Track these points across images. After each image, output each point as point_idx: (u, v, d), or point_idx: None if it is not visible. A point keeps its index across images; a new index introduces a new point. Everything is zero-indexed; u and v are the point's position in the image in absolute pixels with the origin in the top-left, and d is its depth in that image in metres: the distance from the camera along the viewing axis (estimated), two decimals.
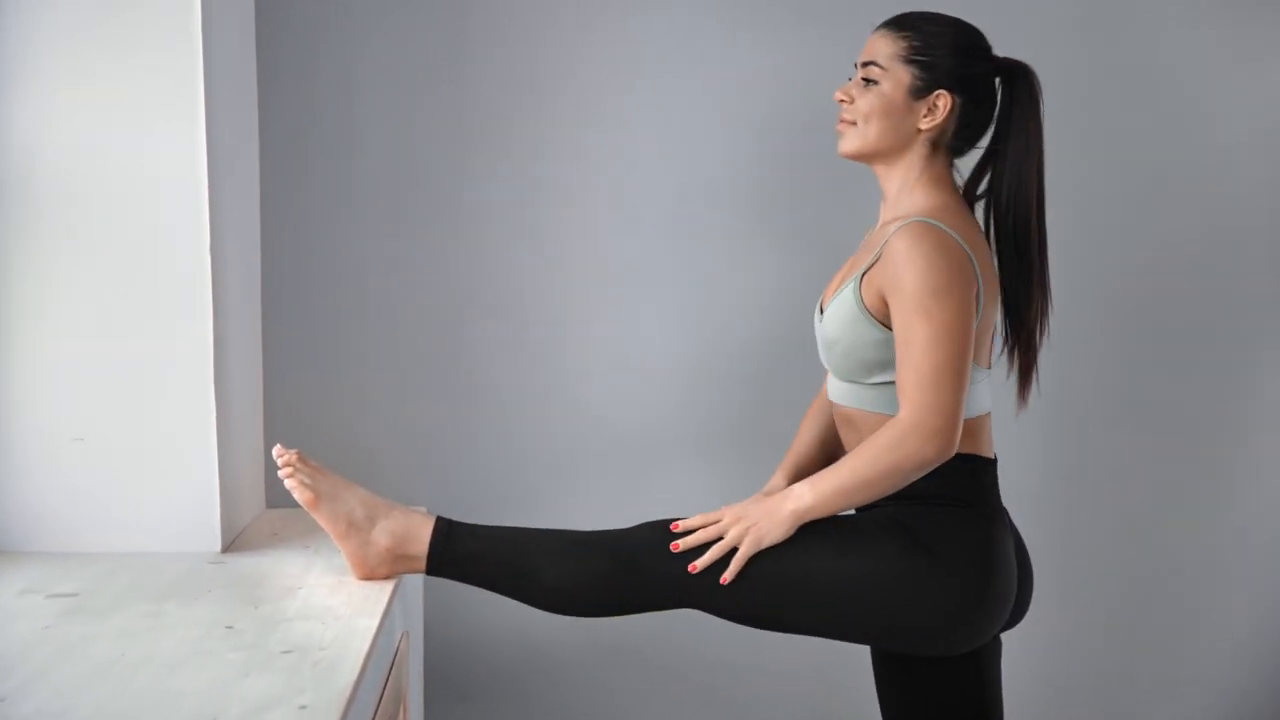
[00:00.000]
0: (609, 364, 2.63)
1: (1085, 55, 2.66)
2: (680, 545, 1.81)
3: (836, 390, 1.94)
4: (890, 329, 1.83)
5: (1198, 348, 2.76)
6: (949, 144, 1.91)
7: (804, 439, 2.12)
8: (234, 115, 2.17)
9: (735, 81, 2.64)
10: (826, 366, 1.96)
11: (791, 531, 1.80)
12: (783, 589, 1.81)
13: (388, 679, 1.77)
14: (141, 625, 1.65)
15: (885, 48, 1.90)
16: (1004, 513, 1.92)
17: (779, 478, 2.09)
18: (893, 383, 1.85)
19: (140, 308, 1.98)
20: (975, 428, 1.88)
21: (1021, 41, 1.90)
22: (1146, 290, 2.74)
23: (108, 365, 1.98)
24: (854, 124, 1.91)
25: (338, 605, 1.75)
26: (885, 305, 1.82)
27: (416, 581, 2.27)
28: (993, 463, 1.91)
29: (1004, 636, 1.98)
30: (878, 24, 1.93)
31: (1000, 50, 1.93)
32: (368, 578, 1.87)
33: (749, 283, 2.65)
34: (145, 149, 1.96)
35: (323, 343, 2.61)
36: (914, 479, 1.78)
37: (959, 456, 1.85)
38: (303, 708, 1.38)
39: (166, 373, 1.99)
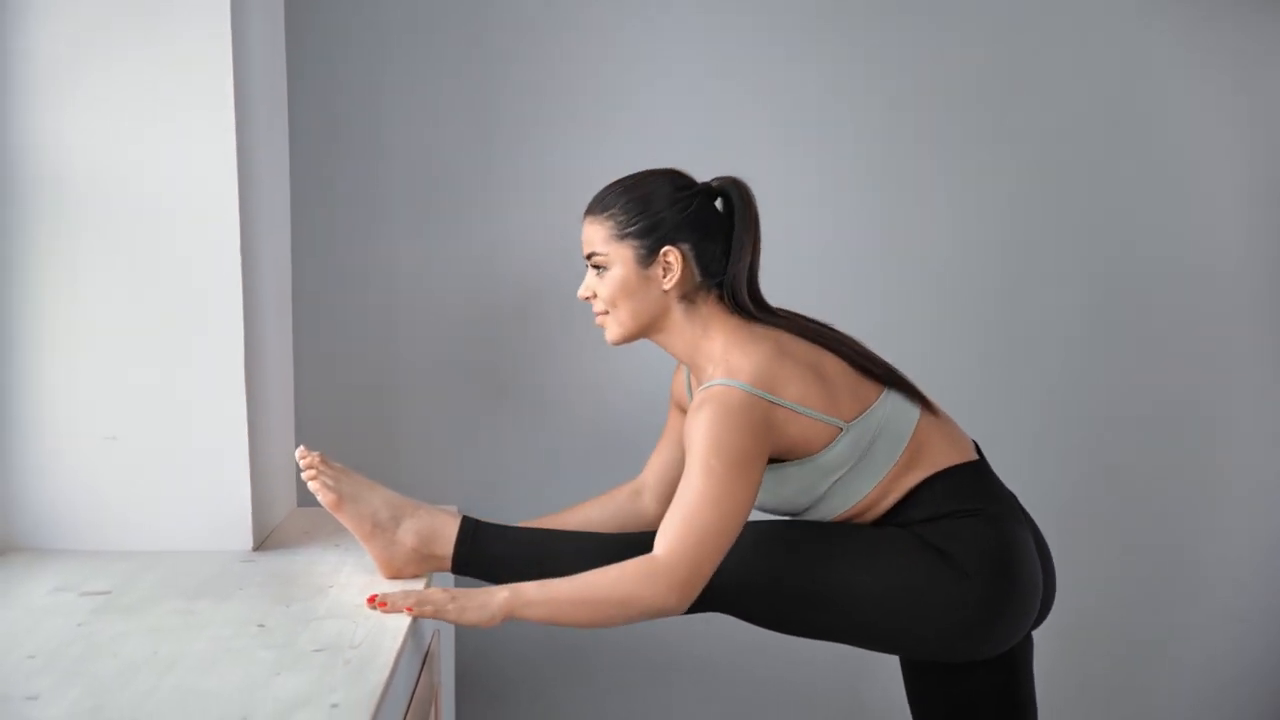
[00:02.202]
0: (637, 365, 2.62)
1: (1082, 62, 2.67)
2: (378, 598, 1.72)
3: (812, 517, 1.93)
4: (780, 460, 1.83)
5: (1215, 344, 2.76)
6: (703, 284, 1.88)
7: (580, 515, 2.09)
8: (264, 117, 2.17)
9: (759, 80, 2.63)
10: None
11: (496, 619, 1.70)
12: (809, 598, 1.81)
13: (419, 678, 1.77)
14: (173, 623, 1.65)
15: (597, 233, 1.88)
16: (1014, 504, 1.91)
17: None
18: (837, 482, 1.84)
19: (172, 308, 1.98)
20: (928, 438, 1.87)
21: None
22: (1168, 287, 2.74)
23: (140, 364, 1.99)
24: (607, 314, 1.90)
25: (366, 603, 1.74)
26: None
27: (448, 581, 2.27)
28: (976, 462, 1.90)
29: (1034, 634, 1.96)
30: (583, 213, 1.91)
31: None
32: (395, 577, 1.87)
33: (773, 281, 2.63)
34: (176, 150, 1.96)
35: (352, 343, 2.62)
36: (632, 620, 1.73)
37: (945, 471, 1.86)
38: (334, 706, 1.38)
39: (198, 372, 2.00)
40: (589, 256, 1.89)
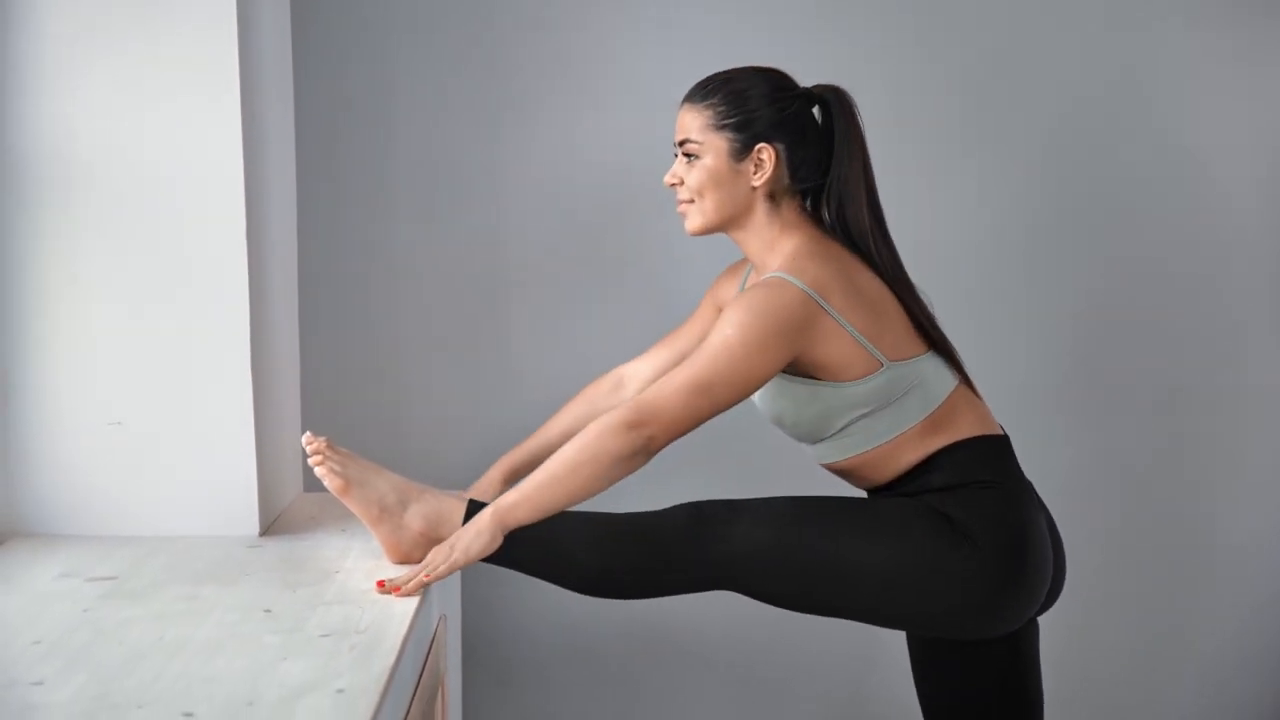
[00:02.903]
0: (643, 349, 2.62)
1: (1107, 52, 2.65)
2: (387, 584, 1.73)
3: (818, 454, 1.94)
4: (812, 376, 1.84)
5: (1227, 330, 2.76)
6: (790, 189, 1.88)
7: (559, 424, 2.11)
8: (270, 102, 2.17)
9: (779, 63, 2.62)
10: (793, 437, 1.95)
11: (497, 534, 1.75)
12: (818, 573, 1.81)
13: (425, 663, 1.76)
14: (179, 608, 1.65)
15: (694, 121, 1.88)
16: (1031, 488, 1.91)
17: (495, 472, 2.09)
18: (860, 419, 1.84)
19: (178, 293, 1.98)
20: (958, 407, 1.87)
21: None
22: (1178, 271, 2.74)
23: (146, 350, 1.98)
24: (691, 202, 1.90)
25: (376, 589, 1.74)
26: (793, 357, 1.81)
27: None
28: (1004, 439, 1.90)
29: (1041, 622, 1.96)
30: (681, 99, 1.91)
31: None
32: (402, 562, 1.86)
33: None
34: (182, 136, 1.96)
35: (358, 327, 2.61)
36: (613, 476, 1.76)
37: (971, 440, 1.85)
38: (340, 691, 1.38)
39: (204, 357, 1.99)
40: (681, 143, 1.89)
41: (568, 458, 1.76)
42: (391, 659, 1.48)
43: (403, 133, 2.59)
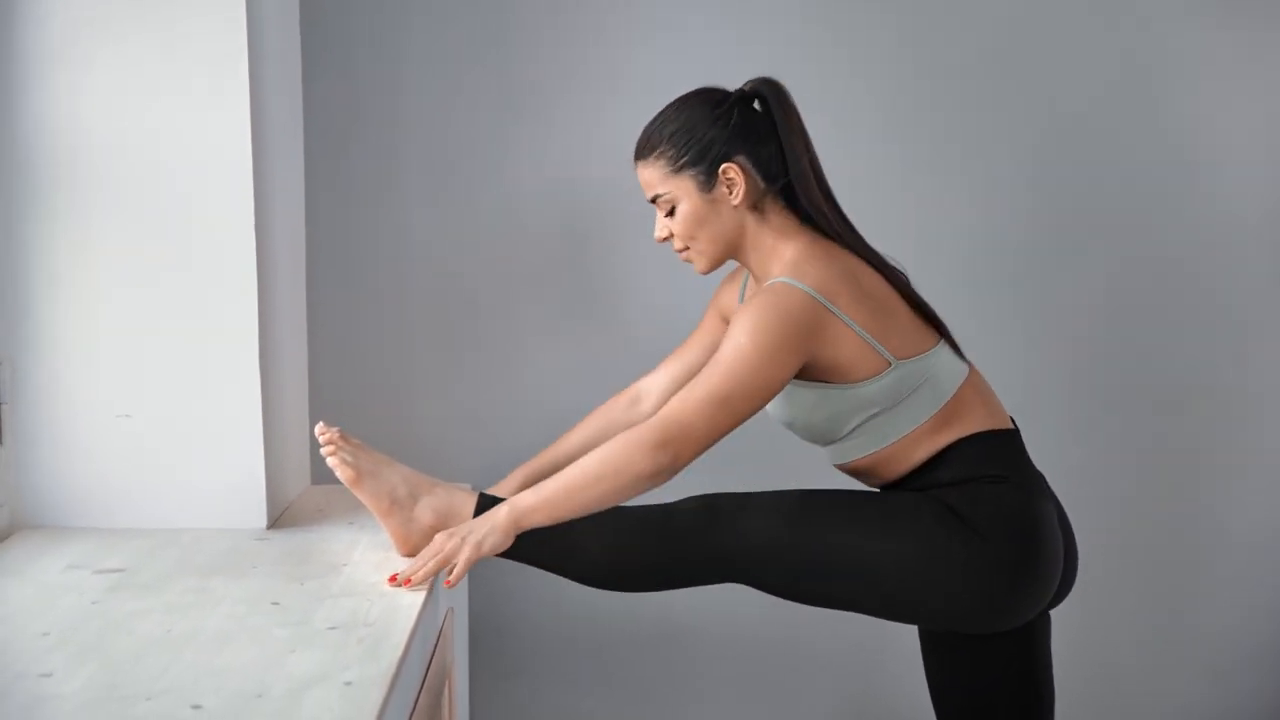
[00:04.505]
0: (651, 343, 2.61)
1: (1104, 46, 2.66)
2: (399, 577, 1.73)
3: (831, 455, 1.94)
4: (821, 379, 1.84)
5: (1237, 322, 2.76)
6: (768, 192, 1.88)
7: (575, 438, 2.10)
8: (278, 94, 2.16)
9: (774, 67, 2.61)
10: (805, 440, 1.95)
11: (510, 534, 1.75)
12: (828, 567, 1.80)
13: (433, 655, 1.77)
14: (187, 601, 1.65)
15: (653, 175, 1.88)
16: (1042, 480, 1.90)
17: (512, 481, 2.07)
18: (870, 419, 1.84)
19: (186, 286, 1.98)
20: (967, 400, 1.86)
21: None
22: (1188, 265, 2.74)
23: (154, 342, 1.98)
24: (688, 248, 1.91)
25: (383, 581, 1.74)
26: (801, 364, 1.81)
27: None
28: (1014, 433, 1.90)
29: (1053, 615, 1.95)
30: (633, 159, 1.91)
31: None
32: (411, 554, 1.86)
33: None
34: (191, 129, 1.96)
35: (367, 320, 2.61)
36: (637, 490, 1.75)
37: (980, 434, 1.85)
38: (348, 684, 1.38)
39: (212, 350, 2.00)
40: (653, 200, 1.90)
41: (590, 469, 1.76)
42: (399, 651, 1.48)
43: (411, 126, 2.58)
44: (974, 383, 1.90)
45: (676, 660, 2.74)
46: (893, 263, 1.92)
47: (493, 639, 2.68)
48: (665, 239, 1.92)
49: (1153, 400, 2.75)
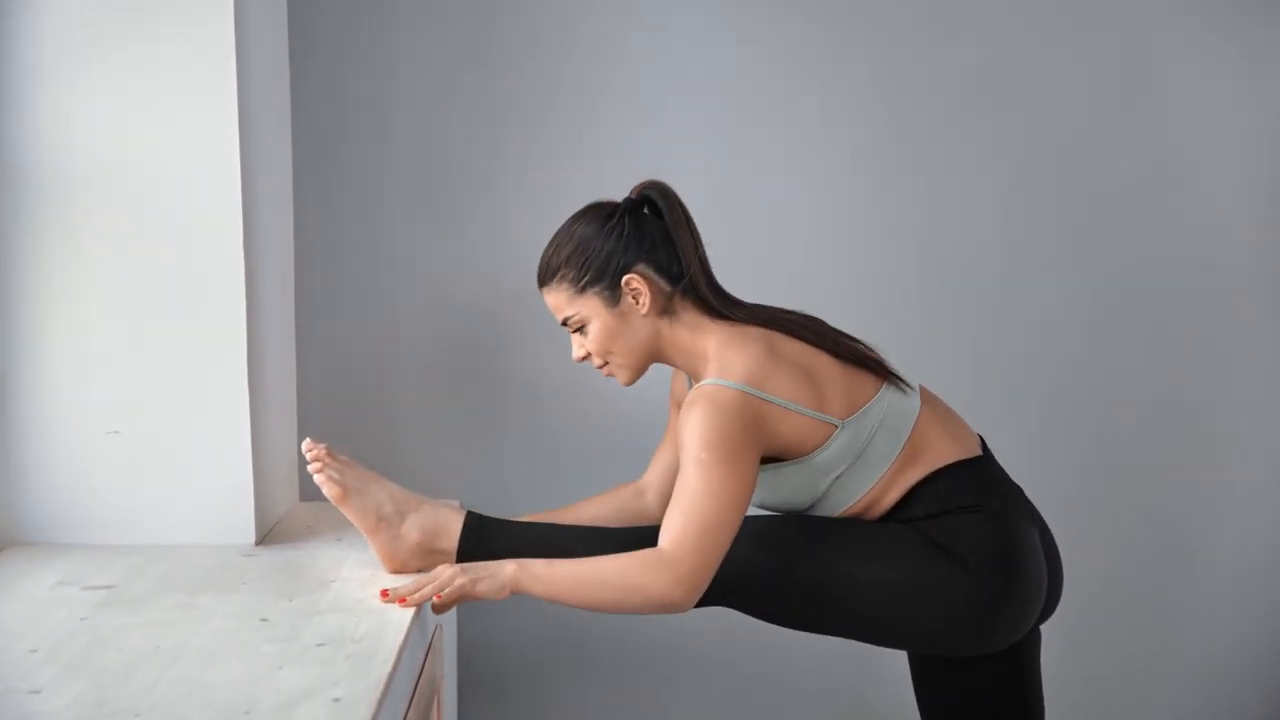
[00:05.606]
0: None
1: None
2: (391, 594, 1.73)
3: (815, 514, 1.93)
4: (777, 460, 1.84)
5: (1219, 338, 2.76)
6: (672, 293, 1.89)
7: (583, 512, 2.09)
8: (267, 106, 2.17)
9: (771, 73, 2.63)
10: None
11: (505, 592, 1.73)
12: (813, 595, 1.82)
13: (421, 671, 1.77)
14: (176, 617, 1.65)
15: (558, 299, 1.90)
16: (1020, 499, 1.91)
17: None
18: (836, 480, 1.84)
19: (174, 301, 1.98)
20: (926, 434, 1.87)
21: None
22: (1171, 281, 2.75)
23: (142, 358, 1.98)
24: (606, 364, 1.92)
25: (371, 598, 1.75)
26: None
27: None
28: (979, 459, 1.90)
29: (1042, 629, 1.96)
30: (538, 287, 1.93)
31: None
32: (398, 572, 1.87)
33: (773, 280, 2.63)
34: (178, 141, 1.96)
35: (355, 336, 2.61)
36: (638, 611, 1.74)
37: (946, 468, 1.85)
38: (336, 700, 1.38)
39: (201, 366, 2.00)
40: (564, 323, 1.91)
41: (603, 576, 1.73)
42: (388, 667, 1.48)
43: (401, 137, 2.58)
44: (931, 413, 1.90)
45: (666, 676, 2.74)
46: (801, 317, 1.92)
47: (481, 655, 2.68)
48: (584, 358, 1.93)
49: (1138, 413, 2.76)
